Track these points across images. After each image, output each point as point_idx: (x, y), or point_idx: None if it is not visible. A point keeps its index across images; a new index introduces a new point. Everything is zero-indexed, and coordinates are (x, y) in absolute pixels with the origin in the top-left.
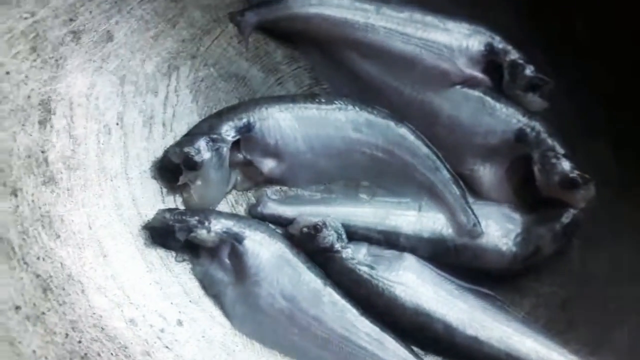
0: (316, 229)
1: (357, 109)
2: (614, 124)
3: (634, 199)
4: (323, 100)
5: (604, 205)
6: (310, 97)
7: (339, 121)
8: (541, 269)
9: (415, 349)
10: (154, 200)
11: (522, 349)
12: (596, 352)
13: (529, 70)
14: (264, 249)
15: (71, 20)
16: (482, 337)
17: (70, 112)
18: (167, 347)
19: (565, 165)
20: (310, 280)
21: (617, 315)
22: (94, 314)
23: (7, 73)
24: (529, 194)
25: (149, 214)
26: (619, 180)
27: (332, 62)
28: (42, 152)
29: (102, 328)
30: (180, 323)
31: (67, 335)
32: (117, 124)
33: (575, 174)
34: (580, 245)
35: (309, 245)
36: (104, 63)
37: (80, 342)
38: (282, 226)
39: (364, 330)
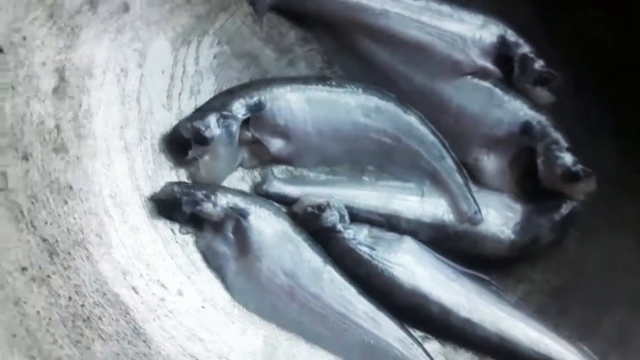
0: (320, 208)
1: (367, 94)
2: (619, 122)
3: (633, 195)
4: (334, 84)
5: (604, 199)
6: (321, 79)
7: (348, 105)
8: (537, 257)
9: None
10: (162, 173)
11: (514, 332)
12: (585, 339)
13: (538, 64)
14: (267, 225)
15: None
16: (475, 320)
17: (83, 81)
18: (167, 315)
19: (568, 158)
20: (311, 258)
21: (608, 305)
22: (97, 279)
23: (24, 38)
24: (530, 184)
25: (156, 186)
26: (619, 176)
27: (344, 46)
28: (54, 119)
29: (104, 293)
30: (181, 293)
31: (70, 298)
32: (129, 96)
33: (577, 167)
34: (577, 236)
35: (312, 225)
36: (119, 34)
37: (83, 305)
38: (286, 205)
39: (361, 308)
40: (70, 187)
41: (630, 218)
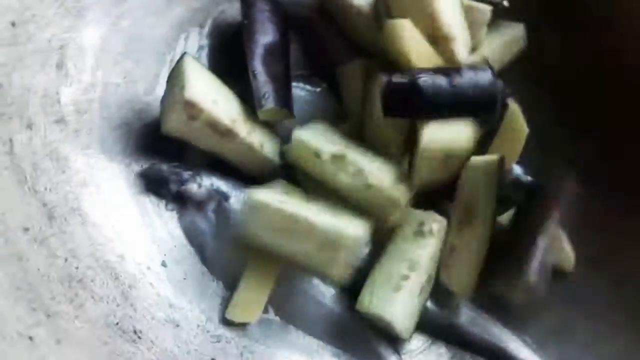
0: None
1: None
2: (564, 142)
3: None
4: (313, 82)
5: None
6: (301, 77)
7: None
8: None
9: None
10: (152, 151)
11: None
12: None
13: None
14: None
15: None
16: None
17: (84, 60)
18: (151, 283)
19: (517, 169)
20: None
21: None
22: (91, 245)
23: (33, 16)
24: None
25: (146, 163)
26: None
27: None
28: (57, 92)
29: (96, 259)
30: (164, 264)
31: (66, 259)
32: (125, 77)
33: (525, 178)
34: None
35: None
36: (118, 20)
37: (77, 268)
38: None
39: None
40: (67, 158)
41: None
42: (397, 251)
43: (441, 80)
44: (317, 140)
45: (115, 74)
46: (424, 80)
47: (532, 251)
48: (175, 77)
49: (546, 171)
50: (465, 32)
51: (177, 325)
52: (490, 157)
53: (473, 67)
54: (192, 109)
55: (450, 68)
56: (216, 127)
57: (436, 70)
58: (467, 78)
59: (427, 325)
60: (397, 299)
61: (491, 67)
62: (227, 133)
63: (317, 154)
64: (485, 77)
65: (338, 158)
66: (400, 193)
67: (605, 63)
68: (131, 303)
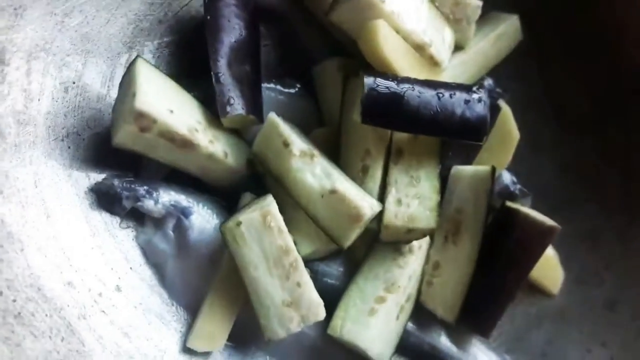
0: None
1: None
2: (558, 145)
3: (567, 214)
4: (286, 83)
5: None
6: (274, 78)
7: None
8: None
9: None
10: (104, 164)
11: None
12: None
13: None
14: (209, 225)
15: None
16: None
17: (26, 65)
18: (103, 311)
19: (506, 177)
20: None
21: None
22: (32, 273)
23: None
24: None
25: (98, 177)
26: (555, 196)
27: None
28: None
29: (38, 288)
30: (118, 289)
31: (1, 293)
32: (74, 82)
33: (515, 187)
34: None
35: None
36: (66, 18)
37: (15, 300)
38: None
39: None
40: (7, 176)
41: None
42: (373, 270)
43: (428, 94)
44: (290, 131)
45: (62, 79)
46: (409, 90)
47: None
48: (127, 83)
49: (538, 175)
50: (442, 31)
51: (131, 358)
52: (480, 168)
53: (467, 87)
54: (143, 120)
55: (441, 82)
56: (172, 138)
57: (425, 83)
58: (457, 97)
59: (408, 349)
60: (372, 324)
61: (490, 90)
62: (185, 144)
63: (286, 143)
64: (477, 100)
65: (307, 155)
66: (367, 206)
67: (606, 56)
68: (79, 336)
